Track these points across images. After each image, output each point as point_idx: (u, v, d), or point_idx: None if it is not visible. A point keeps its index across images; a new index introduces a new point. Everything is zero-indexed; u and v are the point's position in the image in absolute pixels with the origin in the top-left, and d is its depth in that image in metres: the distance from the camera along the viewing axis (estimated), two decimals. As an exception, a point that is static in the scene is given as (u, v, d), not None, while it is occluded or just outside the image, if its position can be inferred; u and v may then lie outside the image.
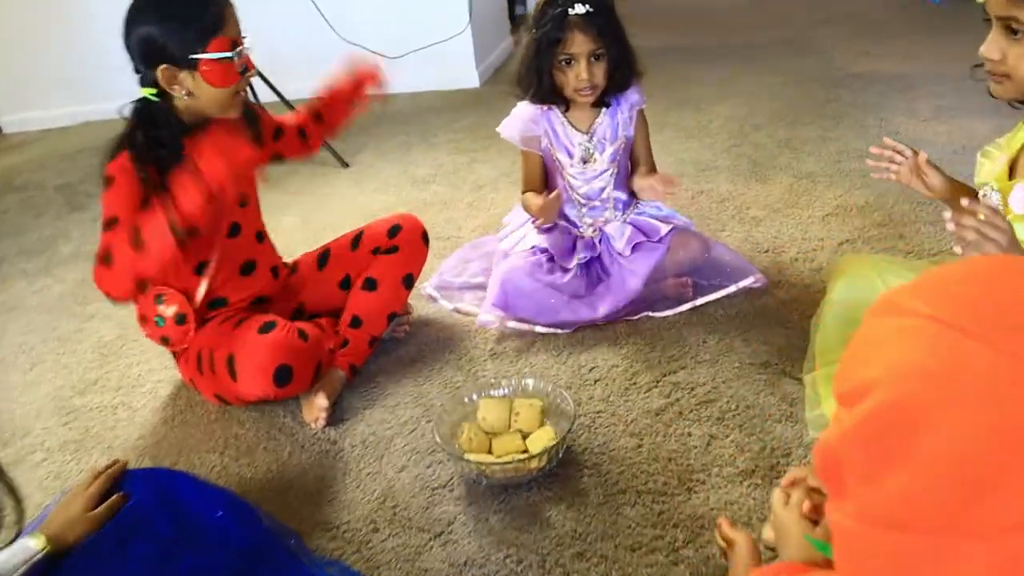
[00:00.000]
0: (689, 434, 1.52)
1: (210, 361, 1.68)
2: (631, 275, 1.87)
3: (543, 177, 1.99)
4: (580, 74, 1.79)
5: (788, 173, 2.66)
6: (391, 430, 1.65)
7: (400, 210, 2.70)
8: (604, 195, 1.97)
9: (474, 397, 1.59)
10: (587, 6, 1.75)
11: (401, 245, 1.90)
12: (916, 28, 4.37)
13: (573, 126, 1.93)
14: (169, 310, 1.70)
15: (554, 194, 1.78)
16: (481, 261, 2.16)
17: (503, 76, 4.39)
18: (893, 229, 2.19)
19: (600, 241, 1.97)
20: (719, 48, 4.38)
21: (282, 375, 1.60)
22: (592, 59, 1.79)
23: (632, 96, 1.94)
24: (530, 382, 1.60)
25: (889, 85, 3.44)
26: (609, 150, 1.93)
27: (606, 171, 1.95)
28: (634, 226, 1.95)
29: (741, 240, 2.24)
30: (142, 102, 1.59)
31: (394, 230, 1.91)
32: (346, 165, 3.24)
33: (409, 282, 1.91)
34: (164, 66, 1.51)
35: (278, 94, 3.34)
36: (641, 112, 1.97)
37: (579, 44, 1.77)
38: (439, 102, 4.00)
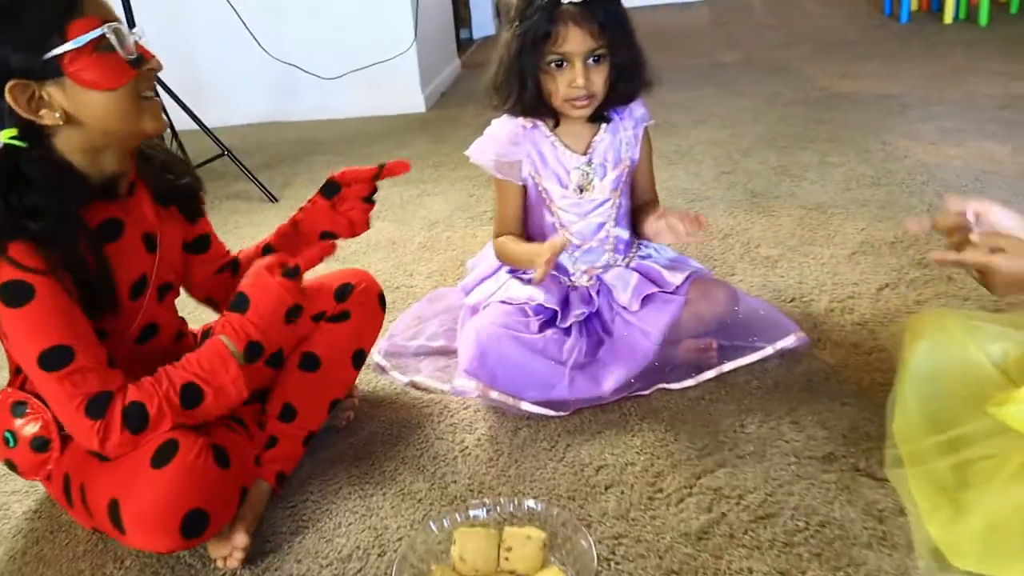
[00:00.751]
0: (750, 571, 1.09)
1: (82, 497, 1.16)
2: (642, 336, 1.44)
3: (521, 215, 1.56)
4: (575, 79, 1.37)
5: (794, 203, 2.29)
6: (329, 569, 1.18)
7: (339, 253, 2.26)
8: (603, 233, 1.55)
9: (445, 523, 1.14)
10: None
11: (352, 310, 1.45)
12: (885, 49, 4.13)
13: (566, 146, 1.51)
14: (28, 428, 1.20)
15: (559, 240, 1.33)
16: (441, 319, 1.72)
17: (451, 100, 3.98)
18: (938, 270, 1.82)
19: (598, 292, 1.54)
20: (683, 70, 4.04)
21: (193, 524, 1.09)
22: (590, 61, 1.38)
23: (637, 109, 1.54)
24: (529, 504, 1.15)
25: (880, 106, 3.13)
26: (611, 175, 1.52)
27: (606, 202, 1.53)
28: (640, 273, 1.53)
29: (759, 286, 1.84)
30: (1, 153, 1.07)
31: (343, 291, 1.45)
32: (274, 200, 2.76)
33: (360, 359, 1.46)
34: (11, 83, 1.03)
35: (197, 121, 2.85)
36: (647, 131, 1.56)
37: (574, 41, 1.36)
38: (382, 128, 3.55)
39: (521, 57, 1.39)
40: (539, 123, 1.49)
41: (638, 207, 1.59)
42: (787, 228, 2.13)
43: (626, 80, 1.44)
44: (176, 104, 2.82)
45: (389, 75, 3.68)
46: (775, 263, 1.95)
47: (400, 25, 3.62)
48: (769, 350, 1.51)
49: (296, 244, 1.42)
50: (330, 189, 1.42)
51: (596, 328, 1.52)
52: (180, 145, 3.04)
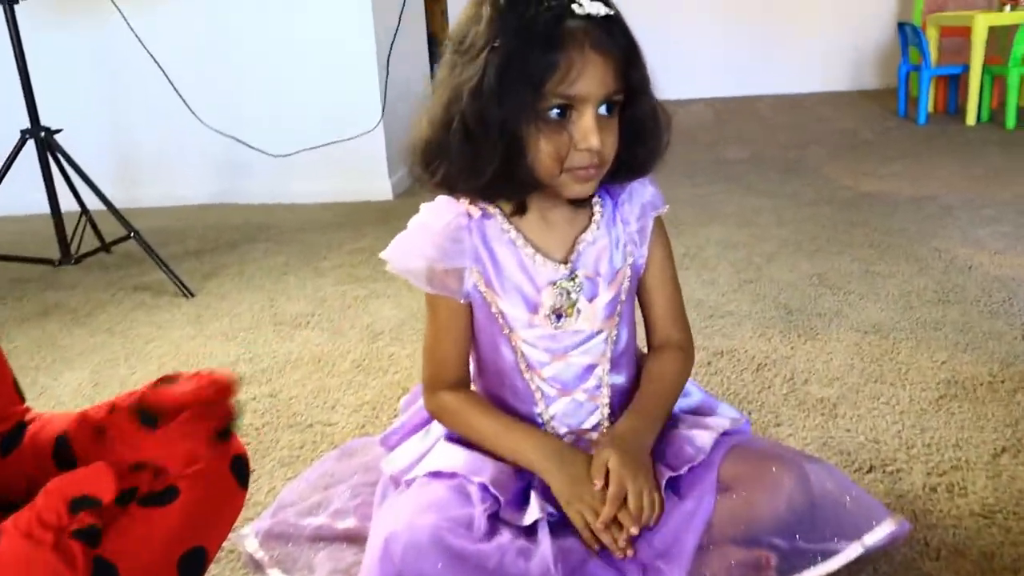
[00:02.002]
0: None
1: None
2: (662, 562, 0.88)
3: (467, 348, 1.02)
4: (587, 135, 0.84)
5: (844, 324, 1.77)
6: None
7: (244, 369, 1.71)
8: (592, 381, 0.99)
9: None
10: (605, 7, 0.84)
11: (183, 487, 0.88)
12: (907, 149, 3.74)
13: (536, 248, 0.96)
14: None
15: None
16: (356, 483, 1.14)
17: (426, 188, 3.50)
18: (1069, 428, 1.28)
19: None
20: (687, 164, 3.61)
21: None
22: (603, 110, 0.86)
23: (642, 189, 1.01)
24: None
25: (918, 208, 2.67)
26: (604, 296, 0.97)
27: (596, 336, 0.98)
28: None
29: (818, 445, 1.29)
30: None
31: (152, 419, 0.90)
32: (189, 294, 2.23)
33: (194, 566, 0.89)
34: None
35: (101, 197, 2.33)
36: (659, 223, 1.04)
37: (592, 77, 0.82)
38: (336, 216, 3.05)
39: (502, 100, 0.84)
40: (492, 210, 0.97)
41: (654, 345, 1.05)
42: (841, 358, 1.60)
43: (644, 143, 0.92)
44: (80, 179, 2.32)
45: (352, 157, 3.21)
46: (834, 408, 1.40)
47: (366, 100, 3.17)
48: (852, 550, 0.94)
49: (104, 451, 0.85)
50: (145, 416, 0.84)
51: (576, 534, 0.95)
52: (93, 225, 2.55)
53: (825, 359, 1.60)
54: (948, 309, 1.82)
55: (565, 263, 0.96)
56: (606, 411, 1.00)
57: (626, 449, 0.91)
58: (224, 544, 1.07)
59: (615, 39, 0.84)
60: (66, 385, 1.71)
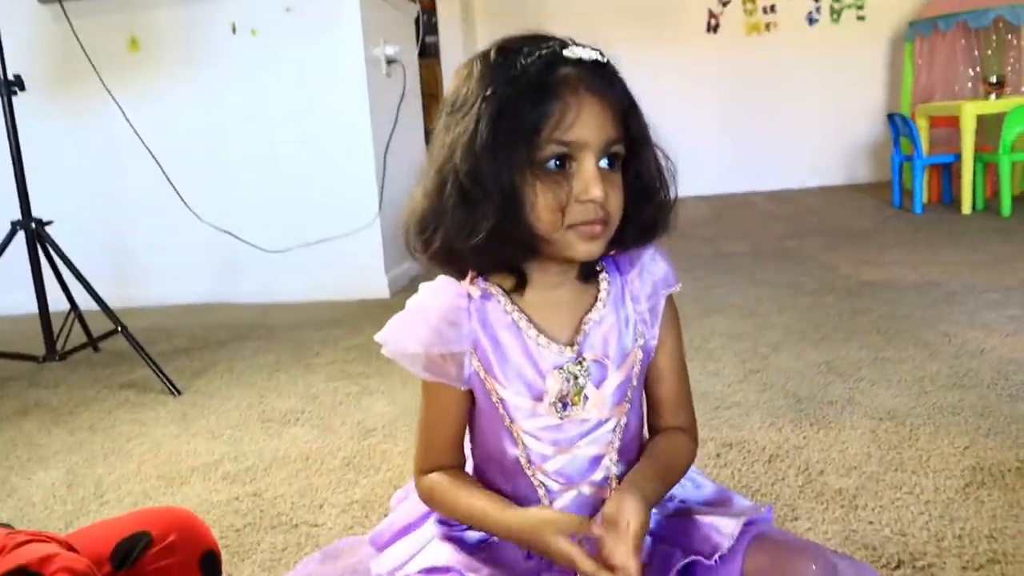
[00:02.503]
0: None
1: None
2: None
3: (463, 432, 0.95)
4: (588, 185, 0.78)
5: (857, 412, 1.69)
6: None
7: (228, 468, 1.63)
8: (598, 473, 0.90)
9: None
10: (598, 52, 0.81)
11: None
12: (906, 238, 3.73)
13: (540, 330, 0.89)
14: None
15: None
16: (341, 592, 1.05)
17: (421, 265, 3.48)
18: (1109, 517, 1.19)
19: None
20: (688, 258, 3.58)
21: None
22: (604, 162, 0.81)
23: (654, 265, 0.93)
24: None
25: (923, 295, 2.62)
26: (614, 380, 0.89)
27: (604, 424, 0.90)
28: (659, 537, 0.89)
29: (840, 539, 1.20)
30: None
31: (130, 548, 0.82)
32: (177, 392, 2.15)
33: None
34: None
35: (91, 292, 2.29)
36: (671, 300, 0.96)
37: (589, 123, 0.78)
38: (331, 313, 3.00)
39: (496, 153, 0.78)
40: (493, 290, 0.91)
41: (658, 429, 0.98)
42: (857, 446, 1.52)
43: (651, 199, 0.86)
44: (70, 272, 2.28)
45: (348, 253, 3.19)
46: (853, 499, 1.31)
47: (363, 196, 3.17)
48: None
49: None
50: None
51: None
52: (81, 320, 2.50)
53: (840, 448, 1.52)
54: (965, 393, 1.74)
55: (571, 346, 0.88)
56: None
57: (644, 496, 0.83)
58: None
59: (611, 84, 0.80)
60: (39, 485, 1.62)
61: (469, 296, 0.89)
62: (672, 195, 0.88)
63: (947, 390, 1.77)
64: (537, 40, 0.81)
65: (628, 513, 0.80)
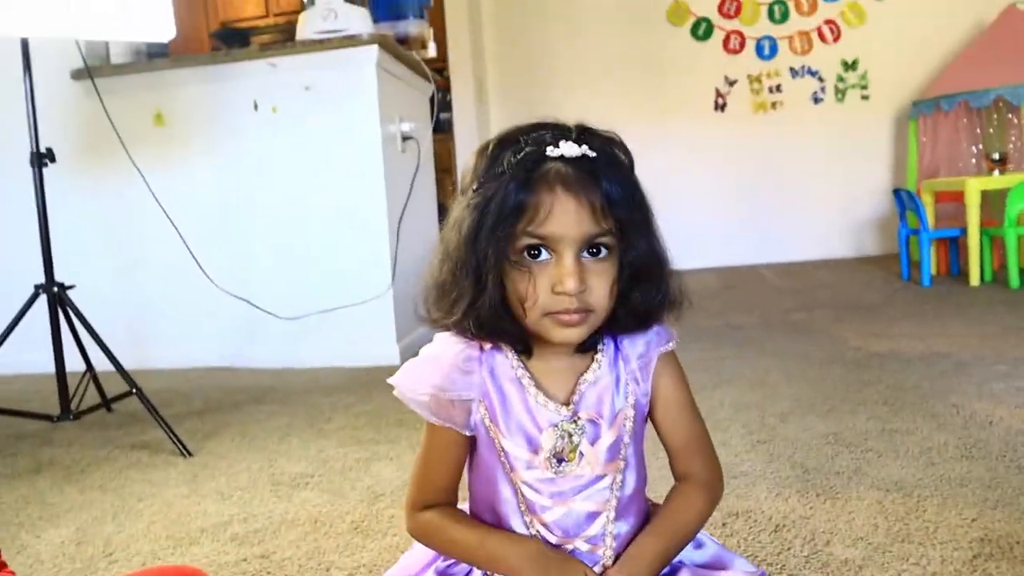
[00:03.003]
0: None
1: None
2: None
3: (458, 477, 0.98)
4: (563, 277, 0.84)
5: (864, 483, 1.69)
6: None
7: (237, 529, 1.64)
8: (595, 529, 0.93)
9: None
10: (584, 147, 0.85)
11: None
12: (914, 310, 3.75)
13: (540, 388, 0.94)
14: None
15: None
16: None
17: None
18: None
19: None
20: (697, 330, 3.61)
21: None
22: (588, 253, 0.86)
23: (645, 331, 0.98)
24: None
25: (931, 366, 2.64)
26: (607, 439, 0.93)
27: (599, 481, 0.93)
28: None
29: (846, 609, 1.20)
30: None
31: None
32: (188, 453, 2.18)
33: None
34: None
35: (107, 353, 2.34)
36: (671, 356, 1.00)
37: (564, 218, 0.83)
38: (342, 380, 3.03)
39: (477, 239, 0.86)
40: (500, 346, 0.94)
41: (676, 476, 1.00)
42: (864, 517, 1.52)
43: (645, 290, 0.90)
44: (89, 335, 2.33)
45: (361, 322, 3.24)
46: (860, 571, 1.31)
47: (376, 267, 3.24)
48: None
49: None
50: None
51: None
52: (96, 382, 2.54)
53: (847, 518, 1.52)
54: (973, 465, 1.74)
55: (567, 405, 0.93)
56: (609, 563, 0.94)
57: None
58: None
59: (593, 180, 0.84)
60: (48, 543, 1.63)
61: (481, 348, 0.94)
62: (668, 288, 0.91)
63: (955, 461, 1.77)
64: (535, 131, 0.87)
65: None
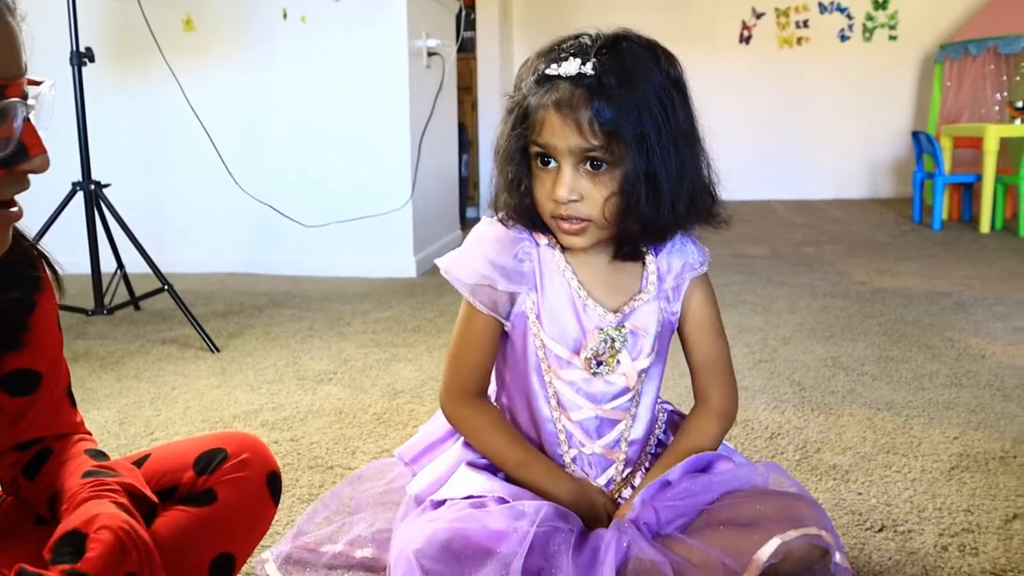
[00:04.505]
0: None
1: None
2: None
3: (491, 363, 1.05)
4: (555, 186, 0.91)
5: (857, 402, 1.79)
6: None
7: (267, 417, 1.76)
8: (612, 435, 1.02)
9: None
10: (588, 63, 0.90)
11: (221, 492, 0.93)
12: (922, 252, 3.81)
13: (588, 292, 1.01)
14: None
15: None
16: (373, 514, 1.16)
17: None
18: (1081, 500, 1.30)
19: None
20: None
21: None
22: (589, 166, 0.92)
23: (682, 247, 1.04)
24: None
25: (932, 303, 2.72)
26: (646, 356, 1.01)
27: (627, 393, 1.01)
28: (655, 511, 0.93)
29: (830, 507, 1.31)
30: None
31: (209, 460, 0.94)
32: (216, 349, 2.29)
33: (225, 571, 0.92)
34: None
35: (140, 250, 2.44)
36: (704, 278, 1.07)
37: (554, 131, 0.90)
38: (361, 288, 3.14)
39: (506, 142, 0.96)
40: (554, 241, 1.00)
41: (695, 395, 1.08)
42: (854, 431, 1.63)
43: (650, 205, 0.92)
44: (124, 233, 2.42)
45: (380, 233, 3.32)
46: (846, 475, 1.42)
47: (397, 180, 3.30)
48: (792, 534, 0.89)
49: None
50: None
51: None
52: (128, 284, 2.64)
53: (838, 431, 1.62)
54: (961, 392, 1.84)
55: (615, 312, 0.99)
56: (620, 467, 1.02)
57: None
58: (244, 567, 1.10)
59: (586, 98, 0.89)
60: (93, 422, 1.75)
61: (537, 243, 1.00)
62: (692, 195, 0.96)
63: (944, 388, 1.87)
64: (567, 42, 0.94)
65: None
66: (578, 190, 0.91)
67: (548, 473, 0.99)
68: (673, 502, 0.95)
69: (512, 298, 1.00)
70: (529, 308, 0.99)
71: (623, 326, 0.99)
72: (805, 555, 0.88)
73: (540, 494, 0.97)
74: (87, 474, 0.84)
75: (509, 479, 1.02)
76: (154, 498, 0.85)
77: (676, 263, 1.04)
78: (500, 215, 1.00)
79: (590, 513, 0.98)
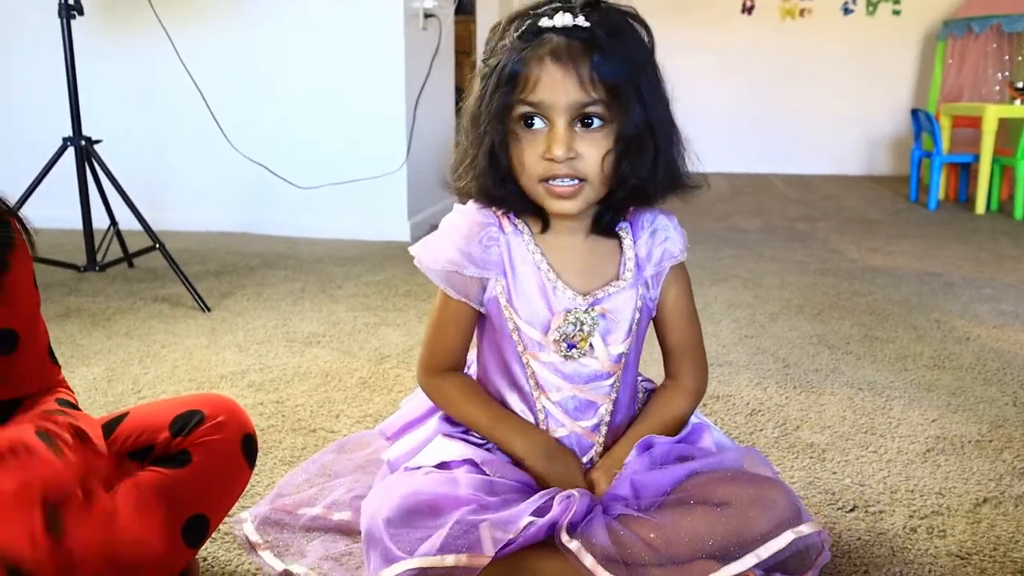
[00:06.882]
0: None
1: None
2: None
3: (468, 343, 1.06)
4: (551, 144, 0.89)
5: (839, 380, 1.81)
6: None
7: (254, 378, 1.77)
8: (592, 419, 1.03)
9: None
10: (581, 16, 0.89)
11: (195, 453, 0.94)
12: (916, 231, 3.81)
13: (557, 273, 1.00)
14: None
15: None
16: (353, 480, 1.18)
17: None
18: (1051, 485, 1.32)
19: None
20: (702, 231, 3.69)
21: None
22: (581, 124, 0.91)
23: (665, 234, 1.03)
24: None
25: (921, 283, 2.73)
26: (621, 341, 1.01)
27: (607, 379, 1.02)
28: (637, 487, 0.95)
29: (803, 484, 1.33)
30: None
31: (185, 421, 0.95)
32: (207, 309, 2.30)
33: (197, 532, 0.93)
34: None
35: (133, 209, 2.43)
36: (681, 266, 1.06)
37: (552, 85, 0.88)
38: (353, 251, 3.14)
39: (481, 107, 0.92)
40: (521, 227, 1.01)
41: (666, 374, 1.10)
42: (834, 410, 1.64)
43: (636, 163, 0.92)
44: (115, 189, 2.41)
45: (374, 196, 3.31)
46: (823, 453, 1.44)
47: (392, 144, 3.29)
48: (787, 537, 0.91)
49: None
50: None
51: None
52: (120, 239, 2.64)
53: (818, 409, 1.64)
54: (943, 374, 1.86)
55: (584, 295, 0.99)
56: (600, 449, 1.04)
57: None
58: (221, 527, 1.11)
59: (585, 50, 0.87)
60: (81, 379, 1.76)
61: (502, 228, 1.00)
62: (676, 167, 0.96)
63: (927, 369, 1.89)
64: (536, 7, 0.91)
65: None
66: (574, 148, 0.90)
67: (521, 428, 1.01)
68: (651, 480, 0.96)
69: (483, 284, 1.00)
70: (500, 293, 0.99)
71: (592, 309, 0.99)
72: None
73: (515, 451, 0.99)
74: (43, 414, 0.85)
75: (485, 448, 1.03)
76: (104, 448, 0.85)
77: (656, 250, 1.03)
78: (465, 189, 0.98)
79: (564, 468, 0.99)
